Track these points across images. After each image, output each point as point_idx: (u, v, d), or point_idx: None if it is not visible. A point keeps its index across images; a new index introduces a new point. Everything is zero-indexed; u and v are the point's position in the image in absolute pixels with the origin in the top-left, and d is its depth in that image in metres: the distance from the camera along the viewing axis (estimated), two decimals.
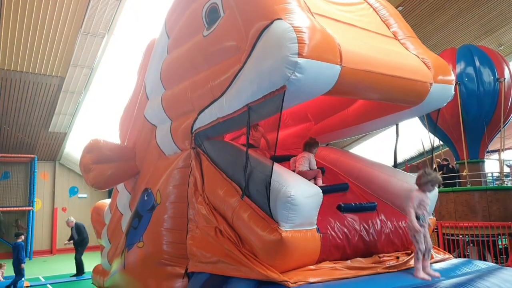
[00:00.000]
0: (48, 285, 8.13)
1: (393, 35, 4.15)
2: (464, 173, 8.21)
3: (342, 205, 3.95)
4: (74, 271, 9.08)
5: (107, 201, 7.65)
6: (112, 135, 6.97)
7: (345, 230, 3.72)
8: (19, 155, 14.57)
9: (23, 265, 8.26)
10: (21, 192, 15.30)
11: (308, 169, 4.33)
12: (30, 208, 14.53)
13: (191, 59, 4.42)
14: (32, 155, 14.79)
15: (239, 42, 3.63)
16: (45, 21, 9.04)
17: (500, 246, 7.73)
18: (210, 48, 4.09)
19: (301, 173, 4.16)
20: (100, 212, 7.59)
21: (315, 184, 4.10)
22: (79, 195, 16.70)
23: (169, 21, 4.99)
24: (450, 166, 9.57)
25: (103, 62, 10.80)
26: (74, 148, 15.04)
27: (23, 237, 8.38)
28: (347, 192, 4.45)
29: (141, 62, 6.23)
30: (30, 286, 8.13)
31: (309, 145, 4.44)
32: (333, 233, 3.63)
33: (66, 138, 14.74)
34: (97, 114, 13.13)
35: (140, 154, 5.69)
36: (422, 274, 3.45)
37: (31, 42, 9.63)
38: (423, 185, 3.60)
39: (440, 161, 9.57)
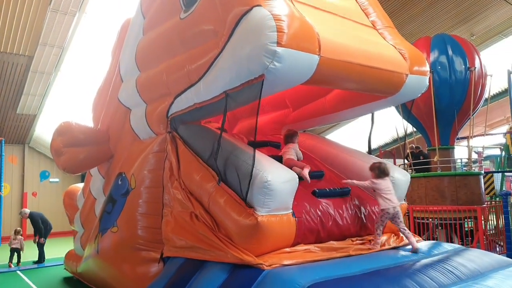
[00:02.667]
0: (18, 272, 7.91)
1: (372, 24, 4.17)
2: (435, 159, 8.49)
3: (317, 190, 4.02)
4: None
5: (80, 185, 7.47)
6: (85, 118, 6.75)
7: (320, 214, 3.80)
8: None
9: None
10: None
11: (296, 158, 4.37)
12: None
13: (167, 41, 4.31)
14: None
15: (217, 27, 3.55)
16: None
17: (466, 229, 8.12)
18: (187, 31, 3.99)
19: (290, 161, 4.21)
20: (72, 197, 7.42)
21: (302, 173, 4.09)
22: (51, 180, 16.21)
23: (145, 0, 4.82)
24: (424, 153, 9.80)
25: (74, 41, 10.32)
26: (44, 131, 14.49)
27: None
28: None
29: (115, 42, 6.02)
30: (0, 272, 7.89)
31: (291, 136, 4.52)
32: (308, 217, 3.71)
33: (35, 120, 14.16)
34: (69, 96, 12.64)
35: (114, 137, 5.56)
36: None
37: None
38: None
39: (414, 147, 9.81)
